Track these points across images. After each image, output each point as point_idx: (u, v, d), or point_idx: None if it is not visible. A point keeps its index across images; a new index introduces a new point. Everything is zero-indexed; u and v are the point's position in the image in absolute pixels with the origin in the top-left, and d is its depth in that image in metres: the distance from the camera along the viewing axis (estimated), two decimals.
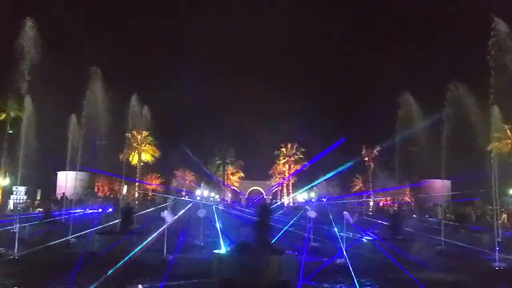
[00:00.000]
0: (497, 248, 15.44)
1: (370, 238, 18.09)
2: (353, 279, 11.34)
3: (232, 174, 73.74)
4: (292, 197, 73.02)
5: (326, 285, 11.61)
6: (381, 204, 73.99)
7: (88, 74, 25.98)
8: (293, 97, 73.50)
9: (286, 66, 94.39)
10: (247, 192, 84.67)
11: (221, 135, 67.74)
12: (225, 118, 74.45)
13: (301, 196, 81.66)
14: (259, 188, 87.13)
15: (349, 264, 13.16)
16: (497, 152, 39.87)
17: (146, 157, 57.18)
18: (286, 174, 72.15)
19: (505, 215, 41.10)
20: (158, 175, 72.58)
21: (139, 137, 55.51)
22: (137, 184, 55.73)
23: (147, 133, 54.97)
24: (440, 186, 64.70)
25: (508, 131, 45.60)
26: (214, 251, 12.43)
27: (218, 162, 69.26)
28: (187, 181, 79.02)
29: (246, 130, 70.34)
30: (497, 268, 14.38)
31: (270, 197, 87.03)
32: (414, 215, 42.92)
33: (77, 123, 27.19)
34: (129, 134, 52.12)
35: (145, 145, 56.72)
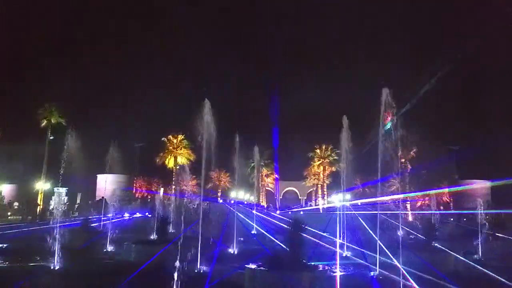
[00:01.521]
0: None
1: None
2: None
3: (267, 176, 73.92)
4: (327, 200, 72.41)
5: None
6: (418, 204, 72.42)
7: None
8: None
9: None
10: (282, 193, 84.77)
11: (253, 137, 68.33)
12: (259, 122, 74.88)
13: (337, 198, 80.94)
14: (294, 189, 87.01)
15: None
16: None
17: (182, 160, 58.25)
18: (321, 175, 71.60)
19: None
20: (194, 176, 73.87)
21: (175, 141, 56.67)
22: (173, 187, 56.91)
23: (183, 137, 56.02)
24: (480, 187, 63.06)
25: None
26: (246, 265, 12.64)
27: (253, 164, 69.67)
28: (222, 182, 79.99)
29: (281, 131, 70.67)
30: None
31: (305, 198, 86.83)
32: (451, 219, 41.67)
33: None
34: (165, 139, 53.59)
35: (180, 149, 57.80)
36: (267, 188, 77.97)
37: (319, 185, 72.90)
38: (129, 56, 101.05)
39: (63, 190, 49.86)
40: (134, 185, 74.06)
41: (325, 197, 72.52)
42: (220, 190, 79.48)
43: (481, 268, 16.15)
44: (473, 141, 63.36)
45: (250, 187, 76.35)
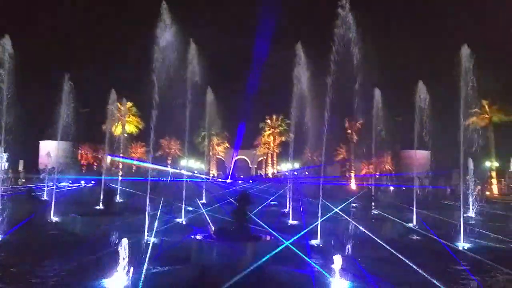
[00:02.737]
0: None
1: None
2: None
3: (218, 144, 74.00)
4: (277, 168, 73.94)
5: (297, 269, 11.95)
6: (363, 172, 75.78)
7: None
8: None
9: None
10: (233, 161, 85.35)
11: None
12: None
13: (286, 166, 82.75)
14: (245, 157, 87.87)
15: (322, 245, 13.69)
16: (474, 126, 41.10)
17: (131, 128, 56.83)
18: (271, 144, 72.72)
19: (479, 187, 42.36)
20: (143, 144, 72.52)
21: (123, 108, 54.99)
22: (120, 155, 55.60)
23: (131, 104, 54.44)
24: (420, 157, 66.56)
25: (486, 106, 46.54)
26: (193, 236, 12.80)
27: (203, 133, 69.29)
28: (173, 150, 79.25)
29: (232, 100, 70.32)
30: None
31: (255, 167, 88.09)
32: (392, 188, 44.02)
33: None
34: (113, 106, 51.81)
35: (129, 116, 56.27)
36: (217, 156, 78.20)
37: (269, 154, 74.17)
38: (77, 14, 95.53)
39: (4, 156, 47.31)
40: (80, 150, 71.85)
41: (275, 166, 74.03)
42: (170, 158, 78.78)
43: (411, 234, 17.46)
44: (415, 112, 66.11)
45: (201, 155, 76.30)
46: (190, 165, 74.57)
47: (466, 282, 10.33)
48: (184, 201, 21.60)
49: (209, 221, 16.61)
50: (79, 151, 70.60)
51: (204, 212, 19.88)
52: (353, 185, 60.23)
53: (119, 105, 53.03)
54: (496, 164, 48.14)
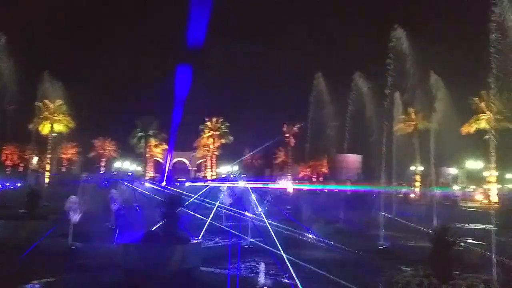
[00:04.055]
0: None
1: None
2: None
3: (155, 146, 72.41)
4: (216, 171, 73.78)
5: (226, 270, 12.11)
6: (301, 175, 77.76)
7: None
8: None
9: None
10: (171, 164, 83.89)
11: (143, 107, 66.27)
12: (149, 91, 72.58)
13: (225, 169, 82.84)
14: (184, 160, 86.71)
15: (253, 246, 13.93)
16: (401, 132, 43.85)
17: (60, 127, 53.99)
18: (211, 147, 72.43)
19: (404, 190, 45.12)
20: (74, 144, 69.25)
21: (52, 106, 52.14)
22: (49, 156, 52.86)
23: (61, 102, 51.73)
24: (353, 160, 69.66)
25: (412, 114, 49.55)
26: (120, 241, 12.49)
27: (140, 134, 67.55)
28: (107, 151, 76.48)
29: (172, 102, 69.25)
30: None
31: (195, 169, 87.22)
32: (326, 190, 45.49)
33: None
34: (41, 103, 49.05)
35: (58, 115, 53.41)
36: (155, 158, 76.50)
37: (209, 157, 73.81)
38: None
39: None
40: (4, 150, 67.35)
41: (214, 168, 73.80)
42: (104, 160, 75.97)
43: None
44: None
45: (137, 157, 74.34)
46: (126, 167, 72.55)
47: None
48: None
49: (139, 224, 16.24)
50: (2, 151, 66.35)
51: (135, 215, 19.39)
52: (289, 188, 61.48)
53: (48, 102, 50.43)
54: (421, 168, 51.33)
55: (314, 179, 75.88)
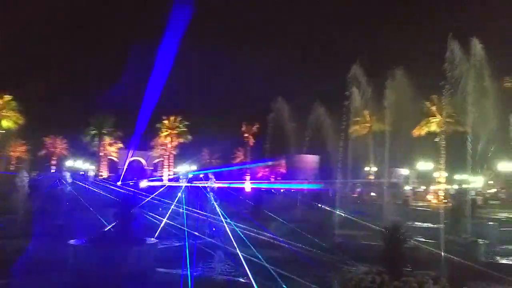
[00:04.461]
0: None
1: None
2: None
3: (110, 144, 70.38)
4: (173, 171, 72.72)
5: (182, 270, 11.92)
6: (259, 174, 78.15)
7: None
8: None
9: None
10: (127, 163, 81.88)
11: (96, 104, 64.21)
12: (104, 87, 70.52)
13: (183, 168, 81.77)
14: (140, 159, 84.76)
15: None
16: (356, 134, 45.07)
17: (9, 123, 51.48)
18: (169, 146, 71.30)
19: (359, 189, 46.35)
20: (24, 141, 66.09)
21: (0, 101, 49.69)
22: None
23: (10, 98, 49.39)
24: (310, 161, 70.79)
25: (367, 116, 51.02)
26: (71, 241, 11.99)
27: (94, 131, 65.38)
28: (58, 149, 73.58)
29: (127, 99, 67.58)
30: None
31: (152, 168, 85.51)
32: (282, 190, 46.05)
33: None
34: None
35: (7, 111, 50.91)
36: (110, 157, 74.39)
37: (166, 156, 72.63)
38: None
39: None
40: None
41: (171, 168, 72.71)
42: (55, 158, 73.03)
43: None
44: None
45: (90, 156, 71.91)
46: (78, 166, 70.05)
47: None
48: (66, 203, 20.21)
49: (91, 224, 15.73)
50: None
51: (89, 215, 18.82)
52: (248, 188, 61.67)
53: None
54: (375, 168, 52.91)
55: (272, 179, 76.51)
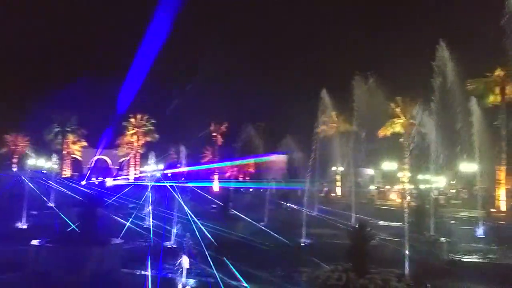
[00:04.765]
0: None
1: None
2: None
3: (74, 143, 68.48)
4: (140, 170, 71.50)
5: (148, 271, 11.70)
6: (227, 175, 77.97)
7: None
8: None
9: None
10: (92, 161, 79.97)
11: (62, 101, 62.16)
12: (68, 85, 68.32)
13: (150, 168, 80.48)
14: (106, 158, 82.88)
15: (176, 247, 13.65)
16: (324, 134, 45.74)
17: None
18: (135, 145, 70.06)
19: (326, 189, 47.03)
20: None
21: None
22: None
23: None
24: (279, 160, 71.24)
25: (334, 117, 51.79)
26: (33, 242, 11.56)
27: (57, 129, 63.44)
28: (20, 147, 71.01)
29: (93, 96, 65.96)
30: None
31: (117, 167, 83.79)
32: (251, 190, 46.18)
33: None
34: None
35: None
36: (73, 156, 72.38)
37: (132, 155, 71.37)
38: None
39: None
40: None
41: (138, 167, 71.49)
42: (17, 156, 70.39)
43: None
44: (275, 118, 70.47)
45: (53, 154, 69.65)
46: (40, 164, 67.72)
47: None
48: (26, 204, 19.46)
49: (54, 224, 15.24)
50: None
51: (51, 215, 18.26)
52: (216, 187, 61.43)
53: None
54: (341, 168, 53.82)
55: (241, 178, 76.48)
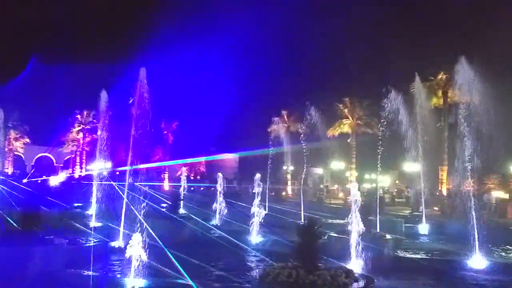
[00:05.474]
0: None
1: None
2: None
3: (16, 139, 64.80)
4: (86, 168, 68.89)
5: (95, 271, 11.35)
6: (178, 174, 76.91)
7: None
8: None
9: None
10: (34, 159, 76.17)
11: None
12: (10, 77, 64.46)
13: (98, 165, 77.73)
14: (50, 155, 79.14)
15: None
16: (275, 134, 46.46)
17: None
18: (81, 142, 67.43)
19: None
20: None
21: None
22: None
23: None
24: (230, 160, 71.33)
25: (285, 116, 52.68)
26: None
27: None
28: None
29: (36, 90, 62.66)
30: None
31: (62, 165, 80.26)
32: (202, 188, 45.92)
33: None
34: None
35: None
36: (16, 153, 68.51)
37: (78, 153, 68.68)
38: None
39: None
40: None
41: (83, 165, 68.87)
42: None
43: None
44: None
45: None
46: None
47: None
48: None
49: None
50: None
51: None
52: (166, 186, 60.46)
53: None
54: (291, 167, 54.64)
55: (192, 177, 75.72)
